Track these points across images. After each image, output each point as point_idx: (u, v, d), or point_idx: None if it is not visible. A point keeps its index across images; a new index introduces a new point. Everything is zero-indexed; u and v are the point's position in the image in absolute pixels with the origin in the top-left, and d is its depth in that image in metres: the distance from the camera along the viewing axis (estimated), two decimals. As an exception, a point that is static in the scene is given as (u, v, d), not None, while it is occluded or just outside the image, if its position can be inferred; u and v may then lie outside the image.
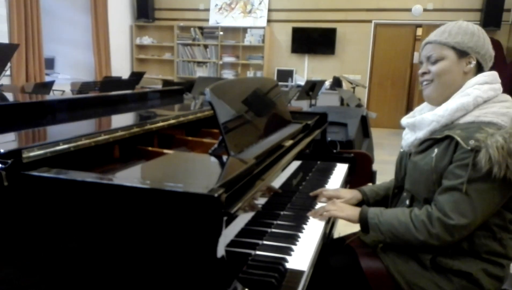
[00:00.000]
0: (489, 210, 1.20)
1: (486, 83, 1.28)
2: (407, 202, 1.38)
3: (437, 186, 1.26)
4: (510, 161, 1.12)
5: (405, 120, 1.44)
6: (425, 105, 1.47)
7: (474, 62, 1.31)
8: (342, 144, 3.09)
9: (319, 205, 1.55)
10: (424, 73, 1.36)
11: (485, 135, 1.16)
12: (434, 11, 7.51)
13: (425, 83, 1.37)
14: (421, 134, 1.34)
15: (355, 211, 1.39)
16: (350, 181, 2.10)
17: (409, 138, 1.40)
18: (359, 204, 1.59)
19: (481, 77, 1.30)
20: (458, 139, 1.20)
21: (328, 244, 1.50)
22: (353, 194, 1.63)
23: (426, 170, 1.28)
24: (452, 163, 1.22)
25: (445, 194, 1.21)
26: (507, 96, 1.30)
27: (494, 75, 1.32)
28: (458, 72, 1.32)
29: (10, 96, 2.48)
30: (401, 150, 1.48)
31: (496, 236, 1.25)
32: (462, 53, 1.31)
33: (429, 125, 1.31)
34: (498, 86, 1.30)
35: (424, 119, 1.33)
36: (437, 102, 1.35)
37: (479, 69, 1.33)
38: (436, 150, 1.27)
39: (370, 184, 1.72)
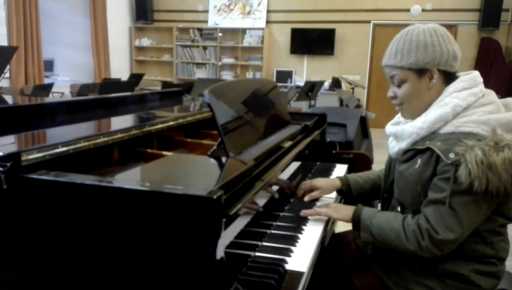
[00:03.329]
0: (475, 221, 1.18)
1: (465, 89, 1.23)
2: (398, 208, 1.36)
3: (422, 197, 1.24)
4: (491, 175, 1.09)
5: (388, 129, 1.41)
6: None
7: (436, 75, 1.26)
8: (342, 145, 3.09)
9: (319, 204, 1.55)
10: (392, 97, 1.34)
11: (465, 148, 1.12)
12: (432, 11, 7.51)
13: (396, 106, 1.35)
14: (403, 144, 1.32)
15: (349, 211, 1.36)
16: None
17: (393, 146, 1.38)
18: (347, 198, 1.57)
19: (459, 83, 1.25)
20: (438, 152, 1.18)
21: (328, 243, 1.50)
22: (330, 182, 1.59)
23: (411, 181, 1.26)
24: (436, 175, 1.19)
25: (431, 206, 1.19)
26: (491, 98, 1.25)
27: (473, 78, 1.26)
28: (424, 90, 1.28)
29: (9, 99, 2.49)
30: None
31: (487, 241, 1.23)
32: (421, 71, 1.25)
33: (410, 137, 1.29)
34: (479, 89, 1.25)
35: (404, 130, 1.31)
36: (415, 118, 1.32)
37: (446, 75, 1.27)
38: (419, 161, 1.24)
39: (356, 173, 1.64)
